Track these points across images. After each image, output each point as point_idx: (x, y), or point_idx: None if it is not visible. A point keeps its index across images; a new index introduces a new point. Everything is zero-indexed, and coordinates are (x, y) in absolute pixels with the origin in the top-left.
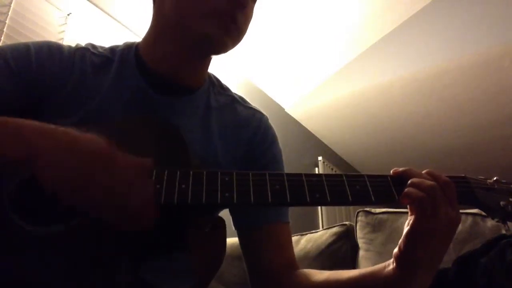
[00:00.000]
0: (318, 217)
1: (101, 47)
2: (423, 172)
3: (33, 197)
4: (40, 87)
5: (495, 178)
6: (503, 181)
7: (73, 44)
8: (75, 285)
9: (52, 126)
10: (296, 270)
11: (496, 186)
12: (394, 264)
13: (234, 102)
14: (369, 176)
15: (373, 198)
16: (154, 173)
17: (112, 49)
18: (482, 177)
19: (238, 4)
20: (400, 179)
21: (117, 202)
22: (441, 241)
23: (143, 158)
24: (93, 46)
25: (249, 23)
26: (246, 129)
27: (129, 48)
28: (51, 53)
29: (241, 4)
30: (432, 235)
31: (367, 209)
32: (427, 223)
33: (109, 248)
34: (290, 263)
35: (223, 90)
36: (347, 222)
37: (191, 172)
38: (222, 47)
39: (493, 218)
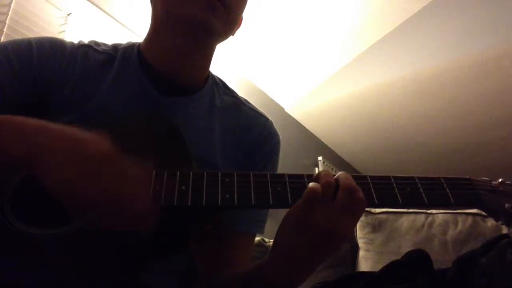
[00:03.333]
0: None
1: (104, 44)
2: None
3: (32, 199)
4: (42, 84)
5: (500, 180)
6: (508, 182)
7: (76, 42)
8: (75, 286)
9: (55, 125)
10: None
11: (501, 188)
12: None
13: (239, 103)
14: (371, 177)
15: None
16: (154, 174)
17: (115, 47)
18: (487, 179)
19: None
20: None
21: (116, 207)
22: (318, 246)
23: (144, 161)
24: (96, 43)
25: (241, 1)
26: (248, 133)
27: (132, 47)
28: (53, 49)
29: None
30: (309, 234)
31: (367, 209)
32: (310, 217)
33: (108, 249)
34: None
35: (228, 91)
36: None
37: (191, 173)
38: (211, 28)
39: (497, 221)
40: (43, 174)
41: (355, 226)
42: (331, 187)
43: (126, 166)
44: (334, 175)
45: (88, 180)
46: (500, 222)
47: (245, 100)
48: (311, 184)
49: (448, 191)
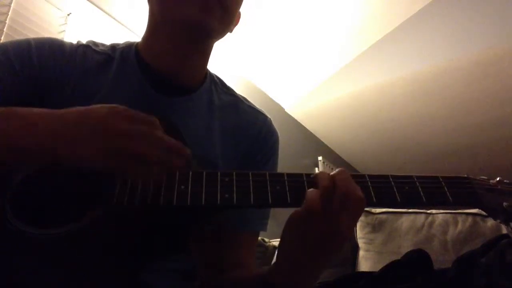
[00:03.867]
0: None
1: (102, 44)
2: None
3: (32, 199)
4: (42, 84)
5: (498, 179)
6: (506, 181)
7: (74, 43)
8: (74, 286)
9: (58, 110)
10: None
11: (499, 187)
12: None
13: (237, 101)
14: (370, 176)
15: (398, 198)
16: None
17: (113, 47)
18: (485, 177)
19: None
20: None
21: (150, 139)
22: (321, 247)
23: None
24: (95, 43)
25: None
26: (248, 130)
27: (130, 47)
28: (52, 50)
29: None
30: (312, 237)
31: (367, 209)
32: (310, 225)
33: (108, 249)
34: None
35: (227, 89)
36: None
37: (190, 173)
38: (208, 28)
39: (495, 219)
40: (68, 156)
41: (355, 225)
42: (330, 192)
43: (135, 112)
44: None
45: (112, 135)
46: (498, 221)
47: (244, 98)
48: (309, 193)
49: (446, 189)
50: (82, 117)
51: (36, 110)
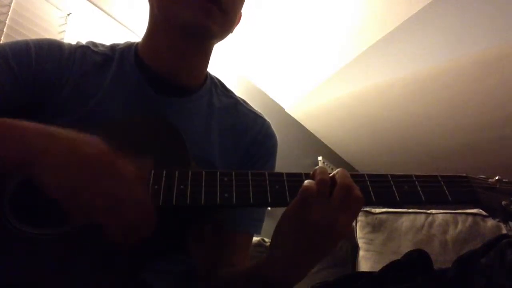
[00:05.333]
0: None
1: (102, 45)
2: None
3: (32, 200)
4: (40, 85)
5: (496, 178)
6: (504, 180)
7: (73, 43)
8: (74, 286)
9: (53, 128)
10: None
11: (498, 186)
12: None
13: (237, 104)
14: (369, 175)
15: (397, 197)
16: (153, 174)
17: (113, 47)
18: (484, 176)
19: None
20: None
21: (116, 208)
22: (315, 245)
23: (143, 161)
24: (94, 44)
25: (238, 2)
26: (246, 135)
27: (129, 47)
28: (51, 51)
29: None
30: (306, 232)
31: (367, 209)
32: (305, 216)
33: (108, 250)
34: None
35: (226, 91)
36: None
37: (190, 173)
38: (208, 32)
39: (494, 218)
40: (41, 178)
41: (352, 223)
42: (326, 184)
43: (123, 165)
44: (331, 173)
45: (86, 184)
46: (497, 220)
47: (243, 101)
48: (306, 182)
49: (445, 188)
50: (69, 150)
51: (25, 123)
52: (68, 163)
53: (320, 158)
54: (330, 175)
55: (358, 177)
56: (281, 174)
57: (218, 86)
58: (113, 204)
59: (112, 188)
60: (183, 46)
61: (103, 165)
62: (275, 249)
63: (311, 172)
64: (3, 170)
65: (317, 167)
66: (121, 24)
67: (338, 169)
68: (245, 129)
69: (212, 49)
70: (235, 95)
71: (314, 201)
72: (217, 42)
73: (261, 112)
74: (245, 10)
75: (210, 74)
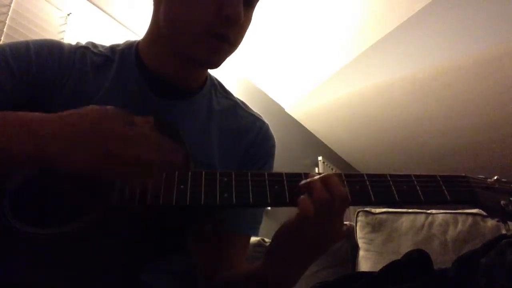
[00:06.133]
0: None
1: (102, 46)
2: (320, 177)
3: (32, 199)
4: (40, 86)
5: (495, 177)
6: (503, 180)
7: (73, 44)
8: (74, 286)
9: (51, 114)
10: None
11: (496, 185)
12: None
13: (236, 106)
14: (368, 175)
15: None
16: None
17: (113, 48)
18: (483, 176)
19: (231, 23)
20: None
21: (136, 158)
22: (314, 249)
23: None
24: (94, 45)
25: (245, 31)
26: (245, 137)
27: (130, 48)
28: (51, 51)
29: (234, 22)
30: (305, 241)
31: (367, 209)
32: (304, 228)
33: (108, 249)
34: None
35: (226, 93)
36: (347, 222)
37: (189, 173)
38: (212, 66)
39: (493, 218)
40: (58, 160)
41: (342, 222)
42: (325, 200)
43: (131, 116)
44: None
45: (107, 143)
46: (496, 220)
47: (243, 103)
48: (304, 203)
49: (444, 188)
50: (76, 121)
51: (30, 114)
52: (80, 135)
53: (320, 158)
54: (321, 180)
55: (357, 177)
56: (280, 174)
57: (217, 88)
58: (141, 138)
59: (130, 136)
60: (183, 63)
61: (117, 115)
62: (272, 258)
63: (304, 181)
64: (16, 164)
65: (305, 181)
66: (121, 24)
67: (326, 174)
68: (244, 132)
69: None
70: (234, 97)
71: (311, 220)
72: None
73: (261, 113)
74: None
75: (210, 75)
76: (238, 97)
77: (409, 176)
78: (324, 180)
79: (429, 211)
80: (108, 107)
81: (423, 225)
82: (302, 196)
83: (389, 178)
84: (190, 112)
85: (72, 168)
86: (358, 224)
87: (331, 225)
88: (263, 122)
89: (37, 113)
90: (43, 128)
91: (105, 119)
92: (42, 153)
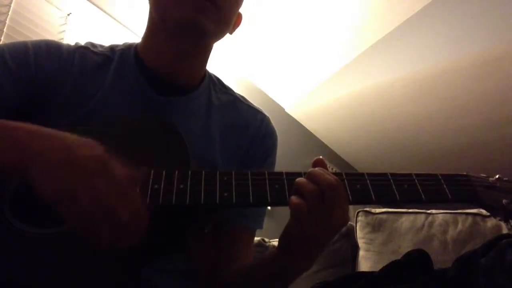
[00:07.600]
0: None
1: (101, 46)
2: (308, 172)
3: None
4: (39, 86)
5: (497, 176)
6: (505, 179)
7: (72, 44)
8: (74, 286)
9: (49, 131)
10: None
11: (498, 184)
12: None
13: (236, 101)
14: (369, 174)
15: (397, 196)
16: (152, 173)
17: (112, 48)
18: (484, 175)
19: None
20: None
21: (109, 214)
22: (319, 241)
23: (141, 161)
24: (93, 45)
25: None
26: (246, 131)
27: (129, 48)
28: (49, 52)
29: None
30: (308, 237)
31: (367, 209)
32: (302, 228)
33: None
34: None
35: (225, 89)
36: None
37: (189, 172)
38: (203, 28)
39: (495, 217)
40: (33, 181)
41: (348, 209)
42: (316, 197)
43: (117, 168)
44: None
45: (76, 185)
46: (498, 218)
47: (242, 97)
48: (292, 201)
49: (445, 187)
50: (62, 152)
51: (19, 126)
52: (61, 166)
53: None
54: (310, 174)
55: (358, 176)
56: (280, 173)
57: (216, 84)
58: (106, 206)
59: (104, 189)
60: (181, 46)
61: (96, 168)
62: (283, 251)
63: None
64: (3, 174)
65: (299, 179)
66: (121, 24)
67: (312, 170)
68: (245, 126)
69: (211, 48)
70: (233, 92)
71: (306, 216)
72: (215, 41)
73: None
74: (245, 10)
75: (208, 72)
76: None
77: (410, 175)
78: (308, 174)
79: (429, 211)
80: (101, 154)
81: (423, 225)
82: (292, 197)
83: (389, 177)
84: (190, 108)
85: (40, 194)
86: (358, 224)
87: (331, 216)
88: (264, 115)
89: (28, 126)
90: (29, 142)
91: (94, 162)
92: (25, 168)
